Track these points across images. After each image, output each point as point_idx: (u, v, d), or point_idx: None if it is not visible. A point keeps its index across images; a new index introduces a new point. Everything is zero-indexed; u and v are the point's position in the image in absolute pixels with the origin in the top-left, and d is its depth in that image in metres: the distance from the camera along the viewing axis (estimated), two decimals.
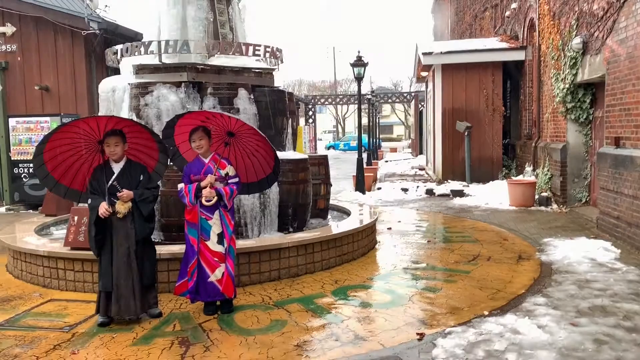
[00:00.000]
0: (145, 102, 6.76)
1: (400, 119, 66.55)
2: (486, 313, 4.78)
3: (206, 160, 4.94)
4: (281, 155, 7.36)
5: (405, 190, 13.72)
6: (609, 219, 7.80)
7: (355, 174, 14.08)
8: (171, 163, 5.22)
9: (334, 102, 46.96)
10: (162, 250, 5.72)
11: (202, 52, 7.03)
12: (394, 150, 40.89)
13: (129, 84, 7.01)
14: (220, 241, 4.89)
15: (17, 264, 6.35)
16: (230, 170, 4.98)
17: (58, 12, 12.84)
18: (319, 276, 6.12)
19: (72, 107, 12.95)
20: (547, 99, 11.59)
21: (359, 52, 13.33)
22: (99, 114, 7.63)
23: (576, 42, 9.27)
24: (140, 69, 7.14)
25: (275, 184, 6.90)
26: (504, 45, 14.08)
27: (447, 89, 14.42)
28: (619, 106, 7.58)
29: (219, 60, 7.34)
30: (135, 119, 6.86)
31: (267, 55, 7.40)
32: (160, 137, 4.99)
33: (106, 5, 13.87)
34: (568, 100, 10.03)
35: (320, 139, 72.37)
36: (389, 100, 45.74)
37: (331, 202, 9.66)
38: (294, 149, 8.23)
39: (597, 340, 4.13)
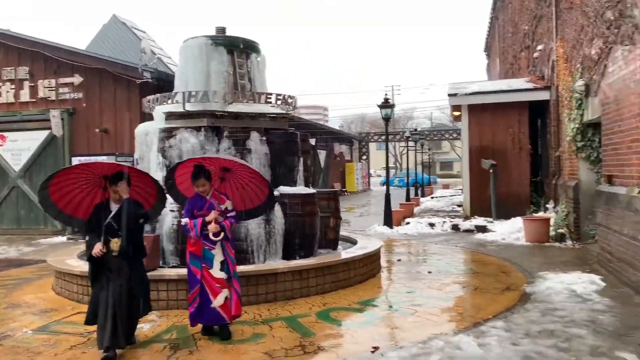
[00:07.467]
0: (169, 144, 7.84)
1: (459, 155, 66.26)
2: (439, 333, 5.31)
3: (207, 197, 5.73)
4: (290, 190, 8.24)
5: (432, 225, 14.18)
6: (605, 254, 8.05)
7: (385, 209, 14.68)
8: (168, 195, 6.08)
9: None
10: (172, 273, 6.65)
11: (220, 101, 8.08)
12: (446, 187, 40.92)
13: (158, 128, 8.13)
14: (222, 268, 5.47)
15: (58, 282, 7.48)
16: (229, 204, 5.70)
17: (117, 64, 14.61)
18: (311, 300, 6.82)
19: (127, 147, 14.41)
20: (564, 138, 11.87)
21: (386, 94, 14.19)
22: (135, 155, 8.80)
23: (579, 84, 9.69)
24: (169, 116, 8.27)
25: (281, 215, 7.76)
26: (529, 85, 14.46)
27: (473, 128, 14.90)
28: (611, 146, 7.93)
29: (237, 107, 8.35)
30: (161, 158, 7.96)
31: (279, 102, 8.36)
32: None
33: (158, 57, 15.44)
34: (578, 139, 10.36)
35: (379, 175, 73.35)
36: (441, 138, 46.14)
37: (355, 235, 10.40)
38: (308, 184, 9.05)
39: (526, 357, 4.60)
